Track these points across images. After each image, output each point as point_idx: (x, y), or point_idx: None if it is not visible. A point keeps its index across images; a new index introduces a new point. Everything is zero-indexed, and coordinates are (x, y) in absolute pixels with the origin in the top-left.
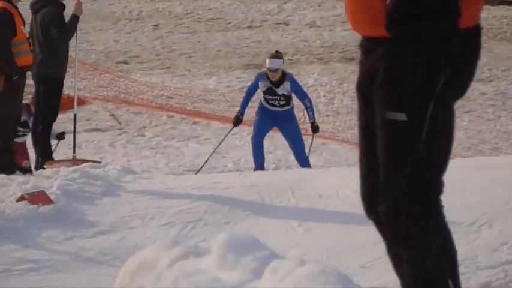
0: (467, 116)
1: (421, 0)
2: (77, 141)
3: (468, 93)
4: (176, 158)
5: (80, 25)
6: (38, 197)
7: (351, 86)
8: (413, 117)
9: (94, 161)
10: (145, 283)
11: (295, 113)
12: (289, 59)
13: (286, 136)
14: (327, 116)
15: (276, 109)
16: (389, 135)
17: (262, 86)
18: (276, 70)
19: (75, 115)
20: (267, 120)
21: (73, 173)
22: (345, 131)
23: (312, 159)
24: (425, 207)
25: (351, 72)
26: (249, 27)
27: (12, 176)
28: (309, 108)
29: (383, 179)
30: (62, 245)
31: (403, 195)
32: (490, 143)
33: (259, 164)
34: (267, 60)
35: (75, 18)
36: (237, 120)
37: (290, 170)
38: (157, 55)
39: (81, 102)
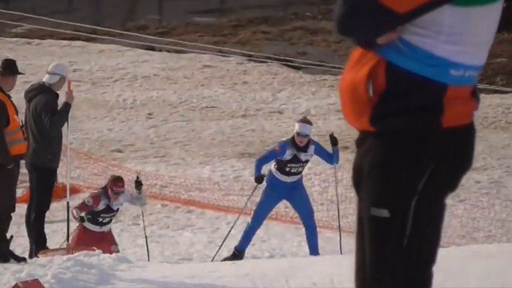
0: (462, 204)
1: (404, 97)
2: (71, 230)
3: (463, 181)
4: (171, 247)
5: (73, 113)
6: (32, 286)
7: (345, 175)
8: (396, 213)
9: (88, 249)
10: None
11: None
12: None
13: (295, 206)
14: (322, 204)
15: (287, 180)
16: (373, 231)
17: (288, 154)
18: (306, 135)
19: (68, 203)
20: (273, 199)
21: (67, 262)
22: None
23: (306, 248)
24: None
25: (346, 161)
26: (243, 115)
27: (6, 265)
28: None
29: (368, 275)
30: None
31: None
32: (484, 231)
33: (244, 246)
34: (297, 125)
35: (66, 105)
36: (260, 179)
37: (284, 258)
38: (151, 143)
39: (75, 190)
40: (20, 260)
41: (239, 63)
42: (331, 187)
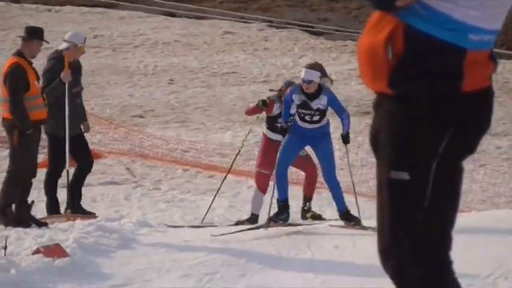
0: (483, 169)
1: (424, 61)
2: (92, 195)
3: (483, 146)
4: (192, 212)
5: (94, 79)
6: (54, 250)
7: (365, 140)
8: (416, 176)
9: (90, 215)
10: None
11: (330, 129)
12: None
13: (318, 155)
14: (342, 169)
15: (309, 126)
16: (393, 194)
17: (297, 99)
18: (309, 82)
19: (67, 171)
20: (296, 143)
21: (89, 226)
22: (359, 184)
23: (328, 212)
24: (431, 267)
25: (366, 126)
26: (264, 81)
27: (27, 230)
28: (345, 120)
29: (388, 238)
30: None
31: (408, 255)
32: (505, 196)
33: (283, 193)
34: (303, 71)
35: (58, 83)
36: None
37: (305, 222)
38: (172, 109)
39: (96, 156)
40: (41, 224)
41: (260, 29)
42: (352, 152)
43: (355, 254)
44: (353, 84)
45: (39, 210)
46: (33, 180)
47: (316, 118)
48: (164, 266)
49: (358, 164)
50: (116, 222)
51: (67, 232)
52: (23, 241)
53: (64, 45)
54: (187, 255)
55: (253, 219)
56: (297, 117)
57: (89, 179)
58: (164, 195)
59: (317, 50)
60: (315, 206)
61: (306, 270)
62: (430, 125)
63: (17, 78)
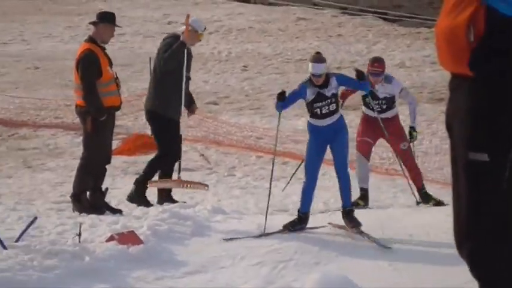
0: None
1: (505, 42)
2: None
3: None
4: (266, 198)
5: None
6: (128, 237)
7: (440, 127)
8: (496, 157)
9: (201, 184)
10: None
11: (345, 121)
12: None
13: (331, 146)
14: (417, 156)
15: (326, 122)
16: (472, 175)
17: (311, 94)
18: (319, 76)
19: (181, 136)
20: (318, 147)
21: (163, 213)
22: (434, 171)
23: (401, 199)
24: (510, 249)
25: (440, 113)
26: (338, 68)
27: (102, 217)
28: (363, 85)
29: (466, 220)
30: (152, 285)
31: (486, 237)
32: None
33: (306, 207)
34: (310, 65)
35: (179, 44)
36: (281, 95)
37: (380, 210)
38: (246, 96)
39: None
40: (115, 211)
41: (334, 15)
42: (426, 139)
43: (430, 243)
44: (427, 71)
45: (114, 196)
46: (107, 167)
47: (333, 107)
48: (238, 254)
49: (432, 152)
50: (191, 209)
51: (141, 219)
52: (97, 228)
53: (183, 28)
54: (262, 243)
55: (363, 195)
56: (311, 120)
57: None
58: (238, 182)
59: (391, 36)
60: (389, 193)
61: (380, 259)
62: (510, 106)
63: (89, 64)
